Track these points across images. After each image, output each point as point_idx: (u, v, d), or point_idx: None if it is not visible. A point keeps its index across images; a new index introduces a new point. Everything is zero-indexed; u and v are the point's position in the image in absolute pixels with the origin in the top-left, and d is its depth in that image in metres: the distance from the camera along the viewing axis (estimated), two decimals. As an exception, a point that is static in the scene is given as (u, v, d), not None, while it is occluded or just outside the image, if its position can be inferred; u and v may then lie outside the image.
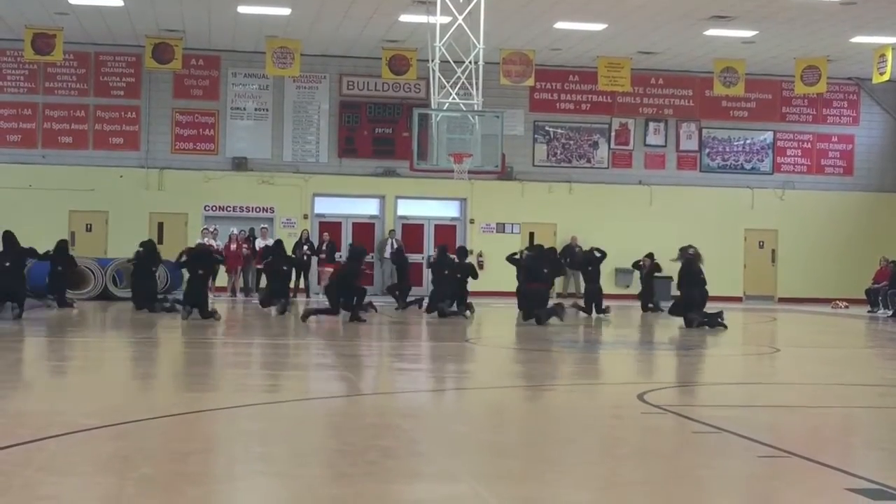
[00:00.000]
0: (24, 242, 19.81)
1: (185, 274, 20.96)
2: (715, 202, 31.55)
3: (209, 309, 19.02)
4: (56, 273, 21.96)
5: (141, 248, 21.76)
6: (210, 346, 15.10)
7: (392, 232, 30.01)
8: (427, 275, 30.43)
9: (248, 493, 6.02)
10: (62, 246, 22.45)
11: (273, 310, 21.12)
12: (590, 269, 23.51)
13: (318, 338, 16.85)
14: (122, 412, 8.34)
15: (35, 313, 19.41)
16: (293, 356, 14.34)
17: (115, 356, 13.95)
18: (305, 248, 27.49)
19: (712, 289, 20.87)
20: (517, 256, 22.86)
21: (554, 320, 19.63)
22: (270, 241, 27.76)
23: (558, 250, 27.71)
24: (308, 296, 26.90)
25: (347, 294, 19.32)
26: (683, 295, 20.10)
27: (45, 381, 11.24)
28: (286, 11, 25.52)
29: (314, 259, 28.09)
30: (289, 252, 24.10)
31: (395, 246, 28.20)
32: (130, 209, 29.30)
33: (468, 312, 21.72)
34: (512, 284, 21.98)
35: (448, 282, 22.03)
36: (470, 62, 22.48)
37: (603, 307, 22.79)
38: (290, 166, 30.35)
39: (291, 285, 24.20)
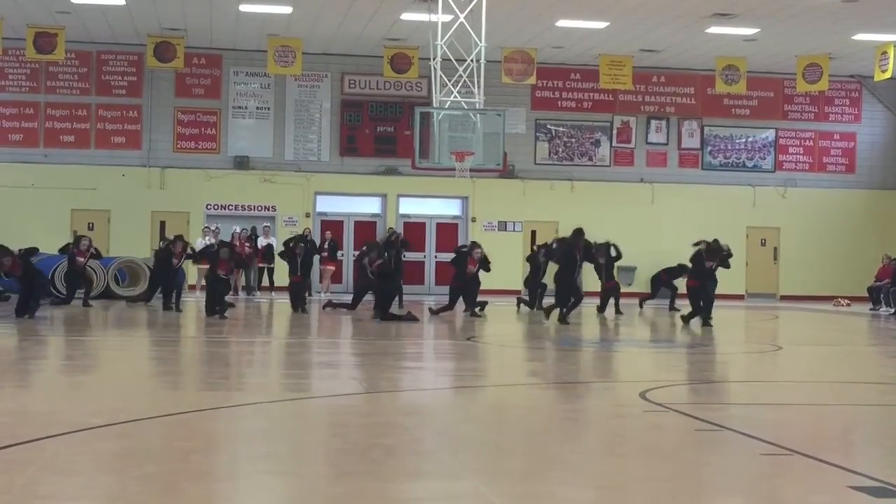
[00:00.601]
0: (26, 242, 19.77)
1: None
2: (717, 200, 31.48)
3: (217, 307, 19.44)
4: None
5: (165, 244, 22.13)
6: (213, 345, 15.10)
7: (391, 229, 29.94)
8: (429, 273, 30.48)
9: (251, 491, 6.02)
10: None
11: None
12: (602, 261, 22.92)
13: (320, 336, 16.86)
14: (124, 411, 8.35)
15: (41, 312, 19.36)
16: (295, 355, 14.33)
17: (116, 355, 13.95)
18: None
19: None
20: (536, 251, 23.47)
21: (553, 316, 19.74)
22: (273, 240, 27.82)
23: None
24: (310, 294, 26.87)
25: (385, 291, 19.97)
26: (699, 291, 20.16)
27: (48, 380, 11.24)
28: (288, 10, 25.50)
29: (316, 258, 28.03)
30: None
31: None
32: (132, 208, 29.28)
33: (476, 310, 21.46)
34: (512, 283, 21.99)
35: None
36: (471, 60, 22.44)
37: (612, 305, 22.65)
38: (292, 165, 30.33)
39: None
